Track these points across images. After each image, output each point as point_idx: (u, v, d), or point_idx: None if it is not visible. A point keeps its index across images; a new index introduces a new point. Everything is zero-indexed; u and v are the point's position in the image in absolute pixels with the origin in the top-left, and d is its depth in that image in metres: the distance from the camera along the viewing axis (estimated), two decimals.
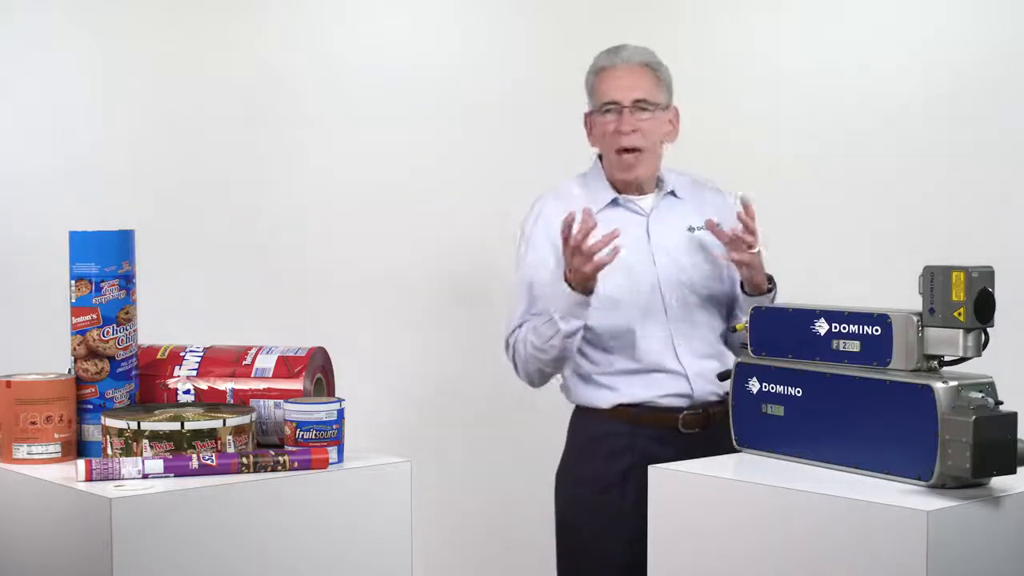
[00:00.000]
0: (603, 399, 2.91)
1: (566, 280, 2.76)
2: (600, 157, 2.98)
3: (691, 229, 2.92)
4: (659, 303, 2.87)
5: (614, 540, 2.85)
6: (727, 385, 2.50)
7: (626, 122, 2.86)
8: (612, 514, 2.85)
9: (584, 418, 2.97)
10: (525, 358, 2.89)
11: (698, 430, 2.83)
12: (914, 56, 3.63)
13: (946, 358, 2.15)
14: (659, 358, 2.87)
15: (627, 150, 2.87)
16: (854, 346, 2.24)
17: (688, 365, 2.86)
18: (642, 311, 2.87)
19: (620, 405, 2.90)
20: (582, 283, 2.73)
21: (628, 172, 2.90)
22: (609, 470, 2.88)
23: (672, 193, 2.96)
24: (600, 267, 2.70)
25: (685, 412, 2.84)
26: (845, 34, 3.70)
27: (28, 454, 2.21)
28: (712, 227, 2.80)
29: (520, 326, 2.91)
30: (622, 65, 2.90)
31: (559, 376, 3.00)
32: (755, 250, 2.75)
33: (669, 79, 2.94)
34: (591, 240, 2.68)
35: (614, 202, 2.93)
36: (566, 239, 2.70)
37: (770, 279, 2.84)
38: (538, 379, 2.96)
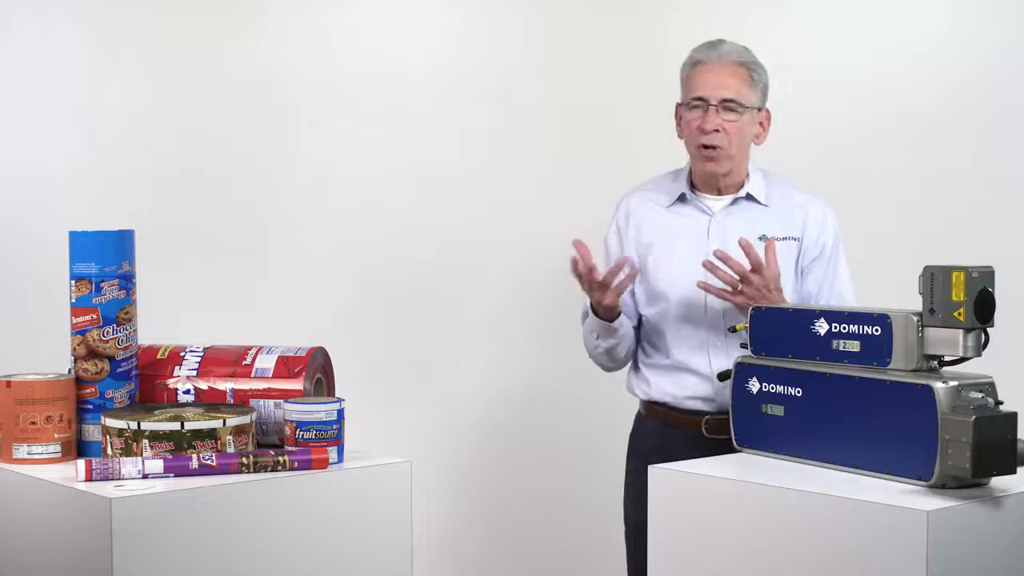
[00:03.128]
0: (641, 389, 2.93)
1: (592, 308, 2.81)
2: None
3: (763, 238, 2.80)
4: (701, 304, 2.82)
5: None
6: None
7: (710, 120, 2.80)
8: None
9: (637, 416, 2.99)
10: (586, 351, 2.96)
11: (725, 437, 2.59)
12: (915, 57, 3.63)
13: (946, 358, 2.14)
14: (691, 358, 2.84)
15: (707, 147, 2.82)
16: (854, 346, 2.23)
17: (718, 370, 2.77)
18: (683, 309, 2.85)
19: (652, 402, 2.90)
20: (605, 312, 2.78)
21: (706, 165, 2.85)
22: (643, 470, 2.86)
23: (750, 197, 2.87)
24: (619, 294, 2.73)
25: (708, 417, 2.80)
26: (846, 36, 3.70)
27: (28, 454, 2.21)
28: (743, 244, 2.67)
29: (586, 316, 2.94)
30: (717, 62, 2.83)
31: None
32: (730, 289, 2.67)
33: (765, 81, 2.87)
34: (599, 275, 2.70)
35: (682, 198, 2.90)
36: (580, 275, 2.73)
37: None
38: (600, 366, 2.99)
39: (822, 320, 2.30)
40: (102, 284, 2.27)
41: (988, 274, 2.09)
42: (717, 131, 2.80)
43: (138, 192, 3.44)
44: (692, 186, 2.91)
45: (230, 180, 3.58)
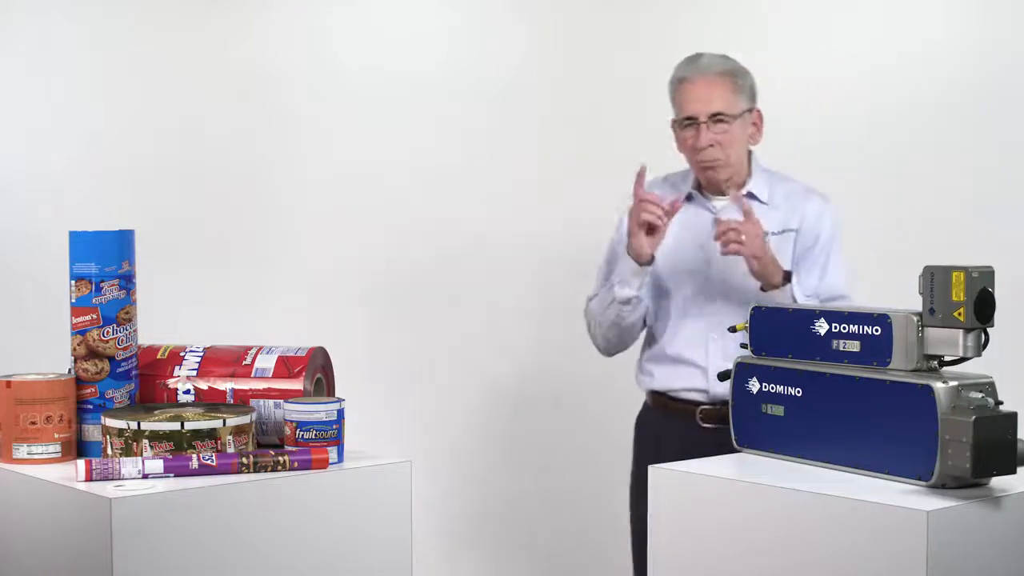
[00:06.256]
0: (644, 383, 3.02)
1: (627, 249, 2.87)
2: None
3: (766, 235, 2.86)
4: (702, 298, 2.93)
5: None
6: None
7: (703, 137, 2.88)
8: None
9: (643, 407, 3.07)
10: (590, 324, 3.02)
11: (720, 426, 2.65)
12: (915, 57, 3.63)
13: (946, 358, 2.14)
14: (687, 350, 2.93)
15: (704, 161, 2.90)
16: (854, 346, 2.23)
17: (713, 363, 2.88)
18: (685, 303, 2.95)
19: (655, 392, 3.00)
20: (636, 253, 2.83)
21: (706, 175, 2.95)
22: (641, 460, 2.94)
23: (751, 195, 2.94)
24: (658, 242, 2.81)
25: (703, 406, 2.90)
26: (846, 36, 3.71)
27: (28, 454, 2.21)
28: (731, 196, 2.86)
29: (594, 296, 3.02)
30: (699, 77, 2.91)
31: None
32: (740, 240, 2.76)
33: (750, 83, 2.94)
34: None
35: (688, 197, 2.98)
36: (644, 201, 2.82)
37: (787, 276, 2.83)
38: (603, 345, 3.05)
39: (822, 320, 2.29)
40: (102, 284, 2.27)
41: (988, 274, 2.08)
42: (711, 146, 2.88)
43: (138, 192, 3.44)
44: (699, 186, 2.99)
45: (230, 180, 3.58)
